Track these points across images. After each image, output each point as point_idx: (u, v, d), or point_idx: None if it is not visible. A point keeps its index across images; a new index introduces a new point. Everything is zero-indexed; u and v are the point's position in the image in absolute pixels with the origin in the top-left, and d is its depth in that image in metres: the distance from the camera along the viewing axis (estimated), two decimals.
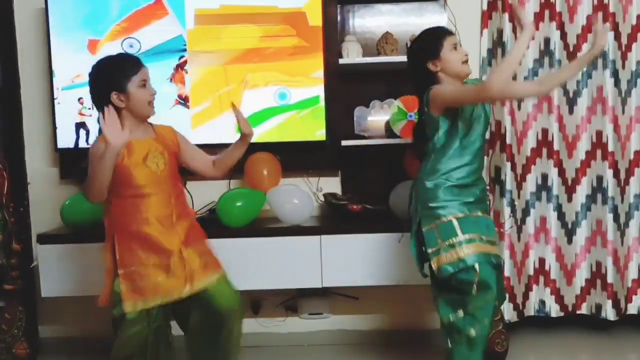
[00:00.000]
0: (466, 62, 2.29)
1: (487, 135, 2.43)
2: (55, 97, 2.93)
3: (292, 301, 3.15)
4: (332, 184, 3.11)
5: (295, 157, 2.99)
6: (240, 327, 2.30)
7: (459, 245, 2.20)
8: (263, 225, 2.85)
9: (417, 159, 2.44)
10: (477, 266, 2.18)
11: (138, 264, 2.14)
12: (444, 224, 2.23)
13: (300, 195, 2.86)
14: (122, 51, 2.69)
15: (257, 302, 3.15)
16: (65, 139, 2.96)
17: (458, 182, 2.26)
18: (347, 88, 3.01)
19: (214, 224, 2.80)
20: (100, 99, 2.12)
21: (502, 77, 2.08)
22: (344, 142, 2.93)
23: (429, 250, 2.24)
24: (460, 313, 2.24)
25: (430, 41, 2.30)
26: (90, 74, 2.16)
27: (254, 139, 2.83)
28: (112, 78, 2.10)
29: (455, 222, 2.22)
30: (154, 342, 2.21)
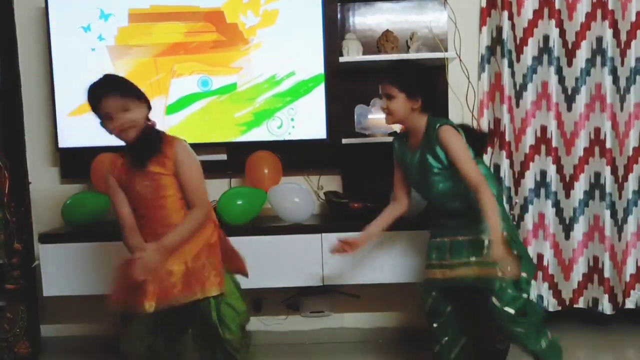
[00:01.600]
0: (385, 112, 2.29)
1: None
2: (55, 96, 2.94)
3: (293, 299, 3.16)
4: (333, 183, 3.12)
5: (296, 156, 2.99)
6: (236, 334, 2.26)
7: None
8: (264, 224, 2.85)
9: None
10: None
11: (126, 272, 2.10)
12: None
13: (301, 193, 2.86)
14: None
15: (259, 300, 3.16)
16: (66, 139, 2.96)
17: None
18: (347, 86, 3.01)
19: (216, 223, 2.81)
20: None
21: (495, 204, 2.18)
22: (345, 141, 2.94)
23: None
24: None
25: (418, 81, 2.30)
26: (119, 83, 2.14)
27: (254, 138, 2.86)
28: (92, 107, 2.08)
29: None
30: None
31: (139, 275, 2.01)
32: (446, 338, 2.40)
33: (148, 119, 2.13)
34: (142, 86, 2.04)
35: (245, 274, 2.35)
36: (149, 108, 2.12)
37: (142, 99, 2.09)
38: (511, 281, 2.23)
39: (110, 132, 2.07)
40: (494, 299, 2.24)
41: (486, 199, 2.15)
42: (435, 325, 2.40)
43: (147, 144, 2.10)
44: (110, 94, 2.03)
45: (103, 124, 2.08)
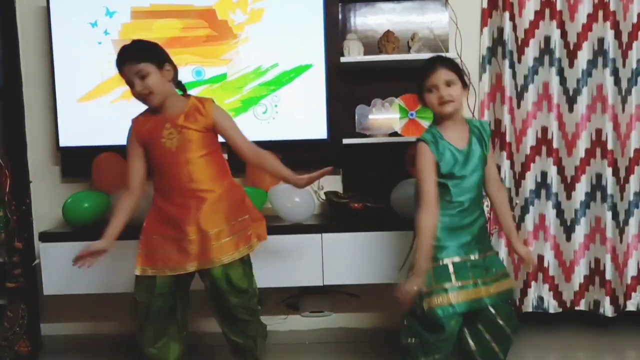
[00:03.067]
0: (444, 102, 2.19)
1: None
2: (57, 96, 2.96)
3: (293, 299, 3.16)
4: (334, 182, 3.11)
5: (296, 156, 2.97)
6: (251, 309, 2.38)
7: (452, 290, 2.18)
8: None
9: None
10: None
11: (158, 234, 2.24)
12: (440, 267, 2.21)
13: (301, 193, 2.85)
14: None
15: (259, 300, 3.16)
16: (67, 137, 2.97)
17: (451, 224, 2.23)
18: (348, 86, 3.02)
19: None
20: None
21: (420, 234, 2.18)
22: (345, 141, 2.94)
23: (423, 290, 2.19)
24: (416, 339, 2.25)
25: (419, 80, 2.29)
26: (147, 42, 2.26)
27: (251, 137, 2.89)
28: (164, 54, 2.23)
29: (450, 267, 2.20)
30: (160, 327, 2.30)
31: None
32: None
33: (178, 82, 2.26)
34: None
35: (265, 237, 2.46)
36: (176, 71, 2.24)
37: (165, 64, 2.19)
38: None
39: (137, 99, 2.18)
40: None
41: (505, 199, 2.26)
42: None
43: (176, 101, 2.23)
44: (127, 62, 2.14)
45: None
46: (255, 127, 2.83)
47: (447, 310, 2.17)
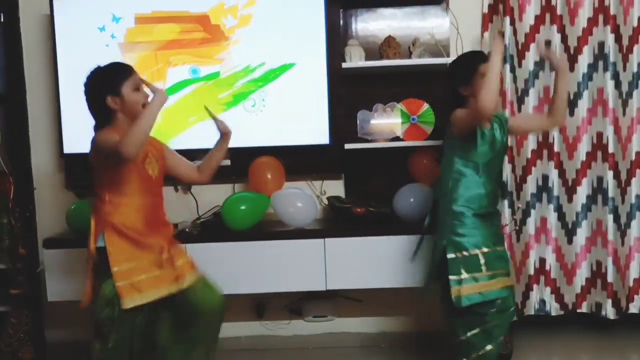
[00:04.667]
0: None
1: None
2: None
3: (296, 304, 3.16)
4: (336, 187, 3.12)
5: (299, 161, 3.01)
6: (217, 327, 2.35)
7: (483, 279, 2.27)
8: (267, 229, 2.87)
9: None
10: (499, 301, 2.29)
11: (133, 261, 2.17)
12: (470, 256, 2.29)
13: (304, 198, 2.87)
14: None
15: (262, 305, 3.16)
16: (71, 145, 2.98)
17: (480, 210, 2.33)
18: (350, 92, 3.03)
19: (218, 227, 2.82)
20: (95, 105, 2.20)
21: (488, 98, 2.18)
22: (348, 146, 2.95)
23: (451, 278, 2.28)
24: (476, 330, 2.30)
25: (465, 67, 2.38)
26: (85, 82, 2.22)
27: (254, 143, 2.93)
28: (106, 82, 2.18)
29: (481, 257, 2.29)
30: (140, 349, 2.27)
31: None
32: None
33: None
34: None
35: None
36: None
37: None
38: None
39: (134, 104, 2.17)
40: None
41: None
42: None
43: None
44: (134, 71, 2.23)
45: (121, 96, 2.16)
46: (244, 119, 2.98)
47: (477, 300, 2.26)
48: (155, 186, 2.28)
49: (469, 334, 2.32)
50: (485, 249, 2.30)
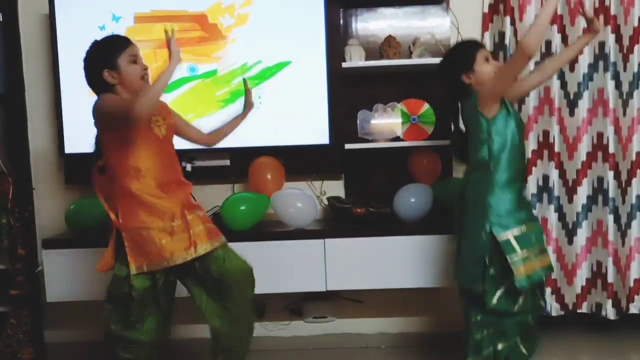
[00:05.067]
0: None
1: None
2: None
3: (296, 305, 3.16)
4: (336, 188, 3.12)
5: (299, 161, 3.00)
6: (251, 291, 2.36)
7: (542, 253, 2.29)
8: (267, 229, 2.86)
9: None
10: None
11: (142, 227, 2.15)
12: (525, 232, 2.26)
13: (304, 198, 2.87)
14: None
15: (262, 306, 3.16)
16: (70, 144, 2.98)
17: (518, 197, 2.29)
18: (350, 91, 3.02)
19: (218, 227, 2.80)
20: (93, 80, 2.19)
21: (536, 36, 2.12)
22: (348, 146, 2.95)
23: (514, 258, 2.22)
24: (491, 329, 2.31)
25: (464, 54, 2.34)
26: (84, 57, 2.21)
27: (254, 143, 2.97)
28: (102, 56, 2.17)
29: (513, 241, 2.24)
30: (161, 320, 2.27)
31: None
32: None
33: None
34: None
35: None
36: None
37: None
38: None
39: (132, 77, 2.17)
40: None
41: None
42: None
43: None
44: (131, 42, 2.22)
45: (118, 70, 2.15)
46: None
47: (541, 275, 2.26)
48: (164, 146, 2.24)
49: (482, 333, 2.31)
50: (516, 231, 2.26)
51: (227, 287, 2.26)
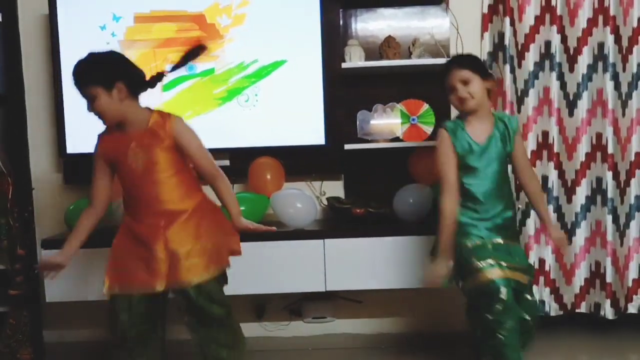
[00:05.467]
0: (464, 99, 2.31)
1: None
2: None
3: (296, 305, 3.16)
4: (336, 188, 3.12)
5: (298, 161, 3.00)
6: (231, 326, 2.29)
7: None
8: None
9: None
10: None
11: (126, 253, 2.17)
12: (467, 249, 2.33)
13: (303, 199, 2.87)
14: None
15: (261, 306, 3.16)
16: (70, 145, 2.98)
17: (471, 219, 2.35)
18: (349, 92, 3.02)
19: None
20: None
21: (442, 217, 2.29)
22: (347, 146, 2.95)
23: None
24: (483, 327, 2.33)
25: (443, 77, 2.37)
26: (98, 60, 2.13)
27: (253, 144, 3.00)
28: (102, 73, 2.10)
29: (470, 250, 2.31)
30: (140, 343, 2.23)
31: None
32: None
33: (133, 96, 2.14)
34: (144, 71, 2.21)
35: (239, 252, 2.34)
36: (130, 86, 2.12)
37: (111, 84, 2.07)
38: None
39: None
40: (528, 296, 2.38)
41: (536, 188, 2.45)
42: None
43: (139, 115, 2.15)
44: (78, 85, 2.09)
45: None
46: (238, 113, 3.05)
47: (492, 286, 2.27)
48: (140, 179, 2.14)
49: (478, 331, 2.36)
50: (477, 242, 2.36)
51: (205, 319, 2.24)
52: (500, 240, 2.34)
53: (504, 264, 2.28)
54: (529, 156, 2.99)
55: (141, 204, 2.18)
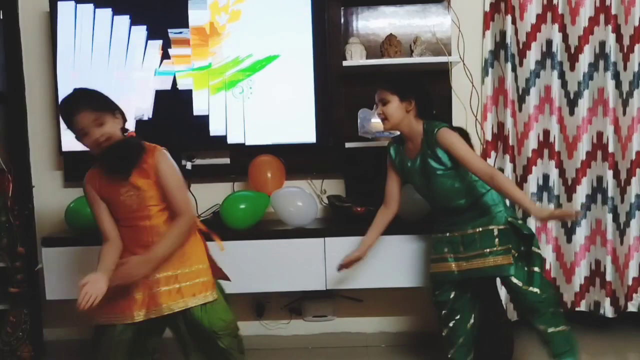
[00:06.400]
0: (382, 120, 2.43)
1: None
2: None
3: (296, 303, 3.16)
4: (336, 186, 3.12)
5: (299, 160, 3.00)
6: (230, 342, 2.24)
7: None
8: (267, 228, 2.86)
9: None
10: None
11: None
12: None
13: (304, 197, 2.87)
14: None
15: (262, 304, 3.17)
16: (70, 142, 2.97)
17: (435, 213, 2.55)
18: (350, 90, 3.02)
19: (218, 226, 2.80)
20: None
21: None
22: (348, 144, 2.95)
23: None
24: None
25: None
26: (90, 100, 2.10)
27: (254, 142, 2.99)
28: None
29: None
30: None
31: (119, 282, 2.03)
32: (453, 322, 2.50)
33: (125, 130, 2.12)
34: None
35: (228, 279, 2.33)
36: (125, 119, 2.12)
37: (116, 112, 2.08)
38: (523, 261, 2.37)
39: (87, 147, 2.06)
40: (515, 280, 2.36)
41: (503, 181, 2.25)
42: (444, 312, 2.51)
43: (129, 154, 2.09)
44: (82, 109, 2.01)
45: (79, 139, 2.06)
46: (233, 104, 3.02)
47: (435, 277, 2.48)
48: (135, 214, 2.13)
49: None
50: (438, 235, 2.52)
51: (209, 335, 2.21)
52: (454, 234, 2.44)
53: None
54: (530, 154, 2.99)
55: (134, 235, 2.15)
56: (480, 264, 2.37)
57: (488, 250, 2.36)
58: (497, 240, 2.35)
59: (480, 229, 2.38)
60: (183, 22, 2.98)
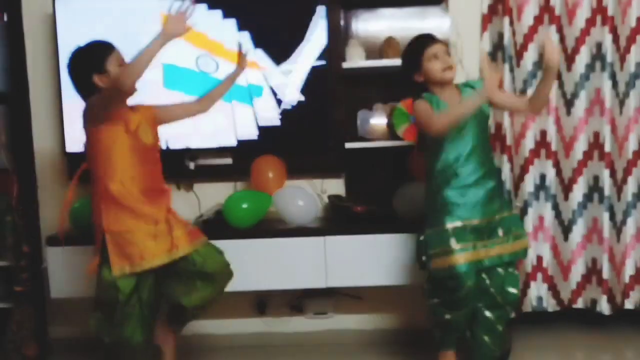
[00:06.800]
0: (448, 68, 2.42)
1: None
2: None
3: (297, 301, 3.19)
4: (337, 186, 3.14)
5: (300, 160, 3.02)
6: (227, 281, 2.48)
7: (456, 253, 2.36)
8: (269, 227, 2.88)
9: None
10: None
11: (126, 231, 2.23)
12: (442, 231, 2.40)
13: (305, 197, 2.90)
14: None
15: (263, 302, 3.19)
16: (74, 143, 2.99)
17: (456, 187, 2.42)
18: (350, 91, 3.05)
19: (220, 225, 2.84)
20: (82, 84, 2.24)
21: (446, 120, 2.33)
22: (348, 145, 2.97)
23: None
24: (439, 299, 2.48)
25: (411, 54, 2.48)
26: (68, 64, 2.27)
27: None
28: (90, 61, 2.21)
29: (451, 232, 2.38)
30: (148, 316, 2.34)
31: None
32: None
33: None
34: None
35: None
36: None
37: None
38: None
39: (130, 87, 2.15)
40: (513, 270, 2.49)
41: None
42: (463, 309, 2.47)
43: None
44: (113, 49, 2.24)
45: (108, 74, 2.20)
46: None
47: (451, 271, 2.36)
48: (150, 154, 2.31)
49: (432, 300, 2.51)
50: (458, 223, 2.43)
51: (209, 276, 2.38)
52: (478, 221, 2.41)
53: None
54: (527, 154, 3.02)
55: (146, 181, 2.27)
56: (500, 251, 2.42)
57: (510, 236, 2.45)
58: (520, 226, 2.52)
59: (506, 214, 2.47)
60: None
